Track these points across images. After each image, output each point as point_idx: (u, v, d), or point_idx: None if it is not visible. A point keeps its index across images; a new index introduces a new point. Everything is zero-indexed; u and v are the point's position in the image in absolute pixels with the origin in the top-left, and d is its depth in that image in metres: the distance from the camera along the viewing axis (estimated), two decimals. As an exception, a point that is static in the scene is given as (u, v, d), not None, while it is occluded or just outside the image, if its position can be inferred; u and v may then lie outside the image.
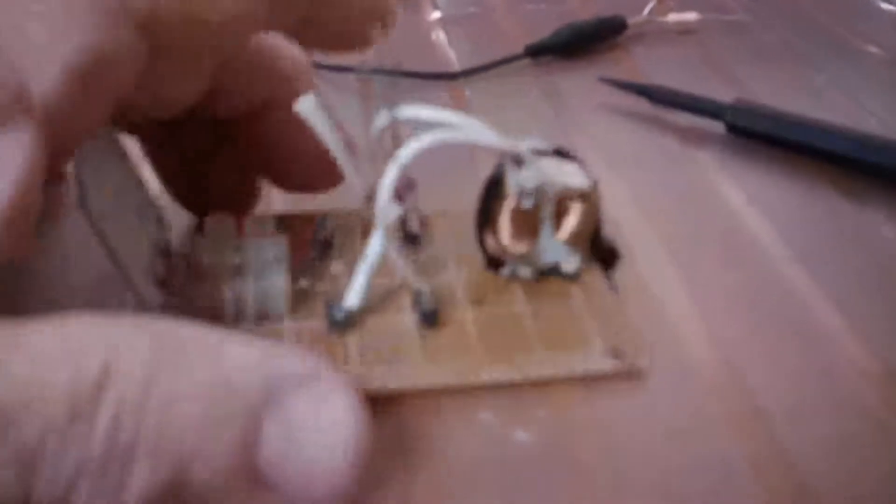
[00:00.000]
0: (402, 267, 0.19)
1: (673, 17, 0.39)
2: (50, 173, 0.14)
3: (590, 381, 0.18)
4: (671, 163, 0.28)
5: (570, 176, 0.20)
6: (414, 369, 0.18)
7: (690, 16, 0.39)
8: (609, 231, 0.21)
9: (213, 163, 0.22)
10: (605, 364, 0.18)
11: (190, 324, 0.14)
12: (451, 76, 0.34)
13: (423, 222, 0.21)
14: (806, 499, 0.16)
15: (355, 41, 0.21)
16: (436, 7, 0.42)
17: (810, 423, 0.18)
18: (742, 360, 0.20)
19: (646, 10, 0.39)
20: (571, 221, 0.20)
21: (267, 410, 0.14)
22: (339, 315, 0.19)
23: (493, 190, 0.20)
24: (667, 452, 0.17)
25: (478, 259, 0.20)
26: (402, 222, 0.20)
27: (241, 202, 0.23)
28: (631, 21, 0.37)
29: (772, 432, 0.18)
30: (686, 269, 0.23)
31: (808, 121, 0.28)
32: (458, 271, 0.20)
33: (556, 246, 0.20)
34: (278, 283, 0.19)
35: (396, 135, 0.19)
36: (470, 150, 0.26)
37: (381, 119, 0.19)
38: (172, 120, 0.20)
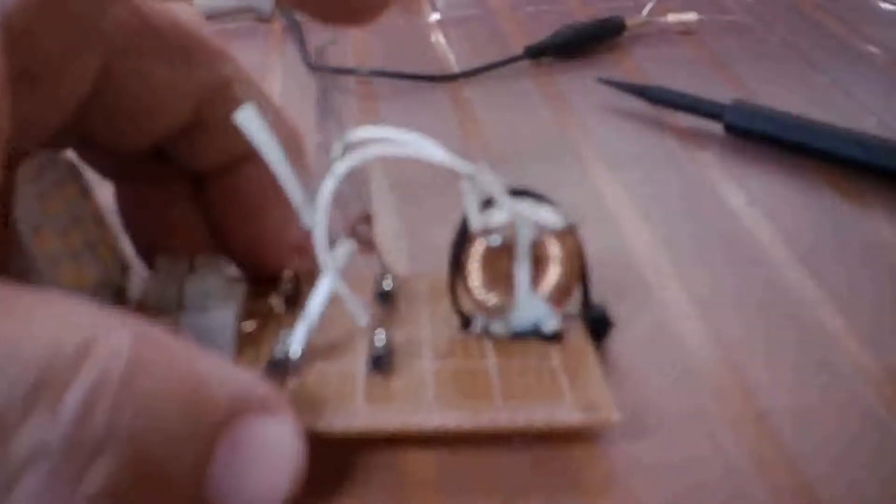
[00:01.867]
0: (356, 310, 0.18)
1: (672, 17, 0.39)
2: None
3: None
4: (671, 163, 0.28)
5: (544, 216, 0.18)
6: (352, 412, 0.17)
7: (690, 16, 0.39)
8: (600, 294, 0.19)
9: (177, 207, 0.21)
10: (572, 416, 0.17)
11: (166, 330, 0.14)
12: (451, 78, 0.34)
13: (397, 281, 0.20)
14: (808, 499, 0.16)
15: (357, 13, 0.19)
16: (435, 9, 0.42)
17: (812, 423, 0.18)
18: (742, 360, 0.20)
19: (645, 11, 0.38)
20: (552, 274, 0.18)
21: (226, 427, 0.14)
22: (280, 358, 0.18)
23: (464, 235, 0.18)
24: (668, 450, 0.17)
25: (454, 320, 0.19)
26: (378, 280, 0.20)
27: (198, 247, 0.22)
28: (630, 22, 0.37)
29: (773, 432, 0.18)
30: (686, 269, 0.23)
31: (808, 121, 0.28)
32: (430, 328, 0.19)
33: (535, 303, 0.18)
34: (226, 321, 0.19)
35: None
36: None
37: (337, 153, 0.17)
38: (140, 160, 0.20)
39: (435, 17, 0.41)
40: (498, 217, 0.18)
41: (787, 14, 0.40)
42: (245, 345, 0.19)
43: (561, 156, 0.29)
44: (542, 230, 0.18)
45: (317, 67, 0.35)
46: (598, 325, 0.19)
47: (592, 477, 0.17)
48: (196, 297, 0.19)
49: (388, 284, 0.20)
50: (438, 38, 0.39)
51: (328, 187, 0.17)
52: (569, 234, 0.18)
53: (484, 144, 0.29)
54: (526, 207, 0.18)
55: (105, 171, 0.21)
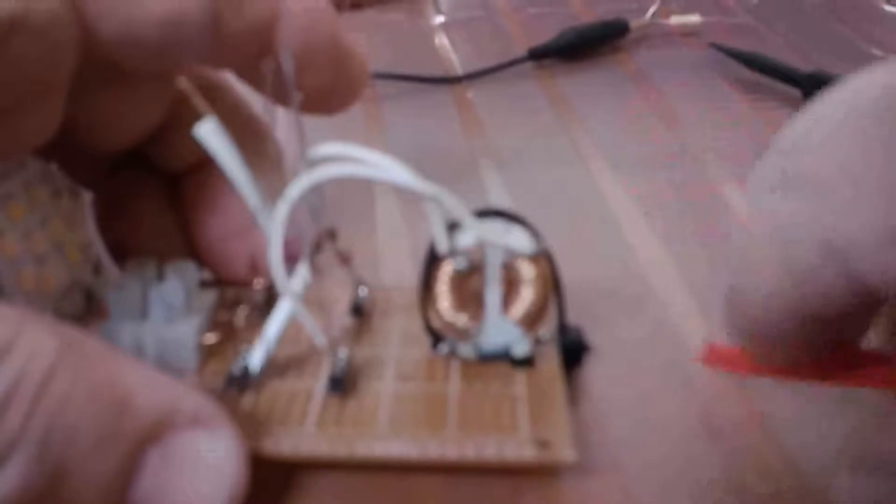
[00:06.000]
0: (314, 332, 0.18)
1: (675, 19, 0.39)
2: None
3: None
4: (673, 163, 0.28)
5: (515, 239, 0.17)
6: (301, 436, 0.16)
7: (693, 18, 0.39)
8: (575, 320, 0.19)
9: (150, 213, 0.21)
10: (524, 453, 0.16)
11: (102, 342, 0.14)
12: (455, 80, 0.35)
13: (373, 294, 0.20)
14: (807, 495, 0.16)
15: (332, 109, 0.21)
16: (439, 11, 0.42)
17: (812, 420, 0.18)
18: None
19: (648, 13, 0.39)
20: (524, 297, 0.18)
21: (153, 440, 0.14)
22: (237, 374, 0.17)
23: (434, 255, 0.18)
24: (669, 449, 0.17)
25: (426, 338, 0.18)
26: (353, 293, 0.20)
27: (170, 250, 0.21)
28: (633, 24, 0.38)
29: (774, 435, 0.18)
30: (687, 268, 0.23)
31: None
32: (398, 347, 0.19)
33: (506, 326, 0.18)
34: (188, 333, 0.18)
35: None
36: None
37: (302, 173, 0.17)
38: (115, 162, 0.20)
39: (439, 19, 0.42)
40: (466, 239, 0.17)
41: (791, 16, 0.40)
42: (210, 356, 0.19)
43: (564, 157, 0.29)
44: (511, 253, 0.17)
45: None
46: (571, 351, 0.19)
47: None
48: (160, 308, 0.19)
49: (361, 298, 0.20)
50: (442, 40, 0.39)
51: (282, 212, 0.17)
52: (541, 257, 0.18)
53: (487, 146, 0.30)
54: (495, 229, 0.17)
55: (80, 179, 0.21)
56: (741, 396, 0.19)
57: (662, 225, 0.25)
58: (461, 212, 0.17)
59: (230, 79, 0.21)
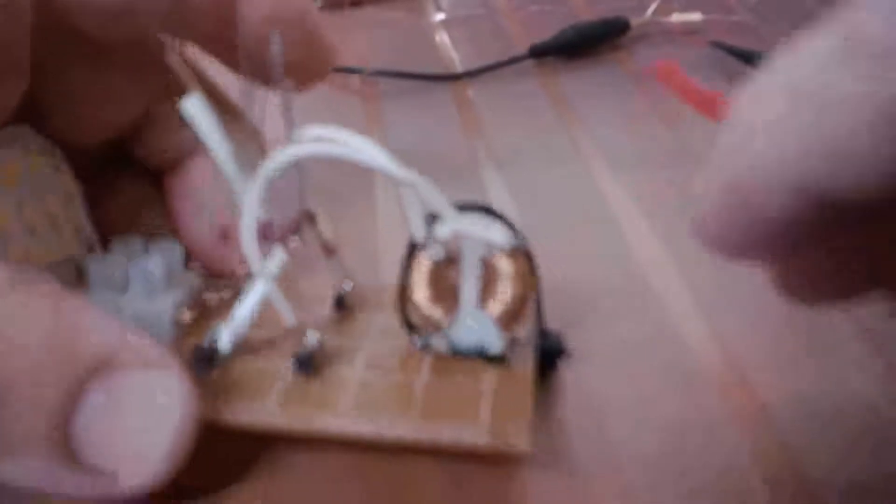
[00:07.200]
0: (284, 311, 0.17)
1: (676, 17, 0.39)
2: None
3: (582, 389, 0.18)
4: (674, 162, 0.28)
5: (494, 234, 0.17)
6: (261, 408, 0.17)
7: (694, 16, 0.39)
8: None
9: (140, 205, 0.22)
10: (479, 439, 0.16)
11: (58, 284, 0.14)
12: (455, 77, 0.35)
13: (358, 289, 0.20)
14: (808, 495, 0.16)
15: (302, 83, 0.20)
16: (439, 9, 0.42)
17: (813, 419, 0.18)
18: (744, 357, 0.20)
19: (649, 11, 0.39)
20: (501, 295, 0.18)
21: (98, 375, 0.14)
22: (205, 348, 0.17)
23: (414, 248, 0.18)
24: (670, 449, 0.17)
25: (404, 334, 0.18)
26: (336, 286, 0.20)
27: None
28: (634, 22, 0.38)
29: (774, 428, 0.18)
30: (687, 266, 0.23)
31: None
32: (375, 339, 0.19)
33: (482, 323, 0.18)
34: (164, 308, 0.18)
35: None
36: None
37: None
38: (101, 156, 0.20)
39: (439, 16, 0.41)
40: (444, 231, 0.17)
41: (792, 14, 0.40)
42: (188, 335, 0.19)
43: (564, 156, 0.29)
44: (489, 248, 0.17)
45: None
46: (548, 354, 0.18)
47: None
48: (141, 282, 0.19)
49: (346, 291, 0.20)
50: (443, 37, 0.39)
51: (257, 186, 0.16)
52: (520, 255, 0.17)
53: (487, 144, 0.30)
54: (474, 223, 0.17)
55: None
56: (742, 396, 0.19)
57: (662, 225, 0.25)
58: (439, 201, 0.17)
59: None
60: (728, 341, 0.20)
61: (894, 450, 0.17)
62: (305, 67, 0.20)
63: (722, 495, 0.16)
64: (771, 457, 0.17)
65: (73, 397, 0.13)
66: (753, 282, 0.22)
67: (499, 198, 0.26)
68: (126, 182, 0.21)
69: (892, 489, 0.16)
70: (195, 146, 0.20)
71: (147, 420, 0.14)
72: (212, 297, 0.20)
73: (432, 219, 0.17)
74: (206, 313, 0.19)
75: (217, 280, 0.20)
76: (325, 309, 0.20)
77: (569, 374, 0.19)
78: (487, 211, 0.17)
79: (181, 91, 0.19)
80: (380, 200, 0.26)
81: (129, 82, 0.19)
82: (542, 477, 0.17)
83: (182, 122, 0.17)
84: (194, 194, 0.21)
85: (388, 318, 0.19)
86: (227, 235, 0.20)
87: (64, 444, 0.14)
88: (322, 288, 0.20)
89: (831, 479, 0.17)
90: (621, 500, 0.16)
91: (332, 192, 0.21)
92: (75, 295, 0.15)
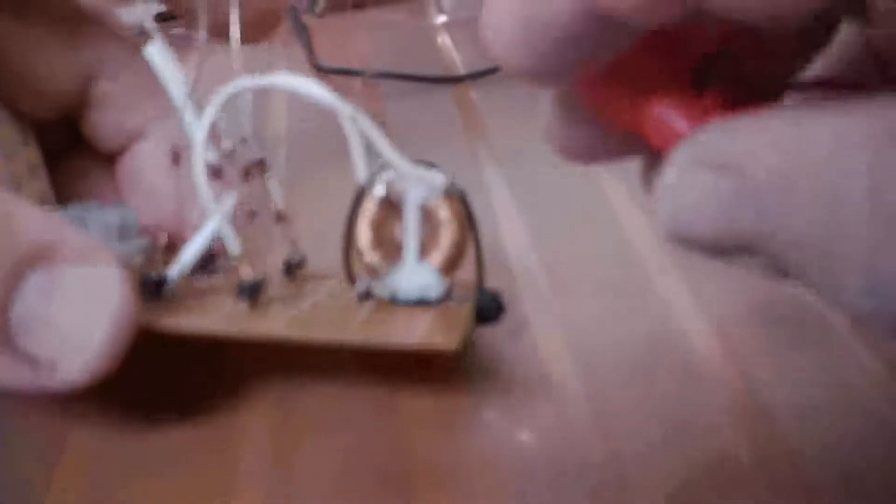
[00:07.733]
0: (231, 241, 0.18)
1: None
2: None
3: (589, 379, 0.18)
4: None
5: (432, 176, 0.18)
6: (202, 318, 0.18)
7: (695, 18, 0.39)
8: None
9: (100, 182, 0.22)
10: (408, 339, 0.17)
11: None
12: (457, 79, 0.35)
13: (302, 259, 0.20)
14: (810, 496, 0.16)
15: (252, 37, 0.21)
16: (441, 11, 0.42)
17: (815, 420, 0.18)
18: (746, 358, 0.20)
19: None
20: (442, 243, 0.18)
21: (36, 264, 0.14)
22: (153, 277, 0.18)
23: (360, 195, 0.18)
24: (671, 450, 0.17)
25: (350, 293, 0.19)
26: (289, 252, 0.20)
27: None
28: (636, 24, 0.37)
29: (776, 430, 0.18)
30: (687, 266, 0.23)
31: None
32: (319, 294, 0.19)
33: (423, 269, 0.18)
34: (121, 253, 0.18)
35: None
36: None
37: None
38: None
39: (441, 18, 0.42)
40: (388, 174, 0.18)
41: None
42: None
43: (565, 157, 0.29)
44: (428, 189, 0.18)
45: (323, 69, 0.35)
46: (486, 310, 0.18)
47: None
48: (97, 229, 0.19)
49: (294, 259, 0.20)
50: (445, 39, 0.39)
51: (206, 118, 0.17)
52: (456, 199, 0.18)
53: (489, 146, 0.30)
54: (411, 166, 0.18)
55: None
56: (742, 396, 0.19)
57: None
58: (376, 134, 0.18)
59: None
60: (728, 341, 0.20)
61: (893, 448, 0.17)
62: (264, 20, 0.20)
63: (719, 492, 0.16)
64: (769, 454, 0.17)
65: (9, 284, 0.14)
66: (756, 282, 0.22)
67: (501, 198, 0.26)
68: (85, 164, 0.22)
69: (891, 487, 0.17)
70: (141, 130, 0.20)
71: (84, 310, 0.14)
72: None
73: (378, 168, 0.18)
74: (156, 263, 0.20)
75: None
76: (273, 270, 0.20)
77: (568, 372, 0.19)
78: (429, 164, 0.18)
79: (119, 69, 0.20)
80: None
81: (54, 39, 0.19)
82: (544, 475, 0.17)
83: (126, 104, 0.17)
84: (140, 177, 0.21)
85: (336, 284, 0.20)
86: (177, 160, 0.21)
87: (2, 329, 0.14)
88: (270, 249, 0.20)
89: (830, 477, 0.17)
90: (621, 500, 0.16)
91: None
92: (20, 197, 0.15)
